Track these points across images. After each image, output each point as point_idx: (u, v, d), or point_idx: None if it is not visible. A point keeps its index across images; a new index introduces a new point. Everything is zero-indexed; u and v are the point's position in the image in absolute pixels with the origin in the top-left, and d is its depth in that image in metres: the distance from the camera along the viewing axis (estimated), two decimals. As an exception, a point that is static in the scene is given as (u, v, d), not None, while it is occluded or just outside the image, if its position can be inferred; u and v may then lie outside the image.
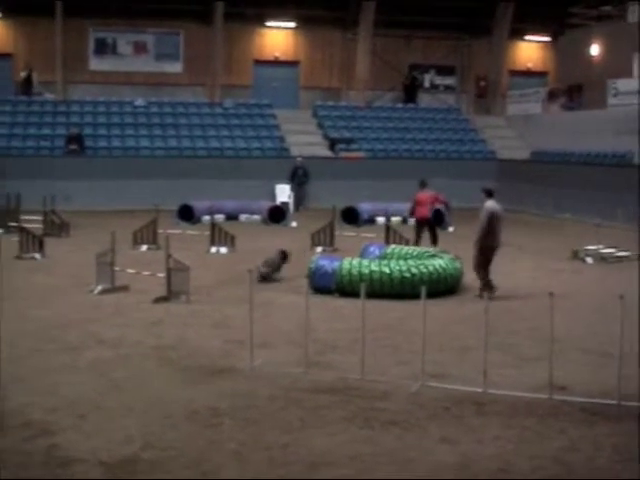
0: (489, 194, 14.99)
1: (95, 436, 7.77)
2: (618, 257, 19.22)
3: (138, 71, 36.00)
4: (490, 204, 14.82)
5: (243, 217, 26.85)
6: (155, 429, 7.97)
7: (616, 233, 21.15)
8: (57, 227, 22.17)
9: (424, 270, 14.52)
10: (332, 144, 34.06)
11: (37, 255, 18.37)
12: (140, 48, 36.27)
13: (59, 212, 22.81)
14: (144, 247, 20.01)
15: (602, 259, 18.97)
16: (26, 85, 33.86)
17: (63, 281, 15.81)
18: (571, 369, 10.02)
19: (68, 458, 7.25)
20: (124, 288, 14.82)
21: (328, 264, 14.82)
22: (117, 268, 15.13)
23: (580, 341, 11.60)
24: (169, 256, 13.98)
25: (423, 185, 19.79)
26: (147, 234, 20.26)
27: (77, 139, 31.02)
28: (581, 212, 25.88)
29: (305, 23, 37.24)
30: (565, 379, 9.47)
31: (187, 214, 25.62)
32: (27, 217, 21.57)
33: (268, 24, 37.34)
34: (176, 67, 36.71)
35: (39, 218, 22.00)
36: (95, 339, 11.47)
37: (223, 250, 19.81)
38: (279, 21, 37.33)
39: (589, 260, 18.92)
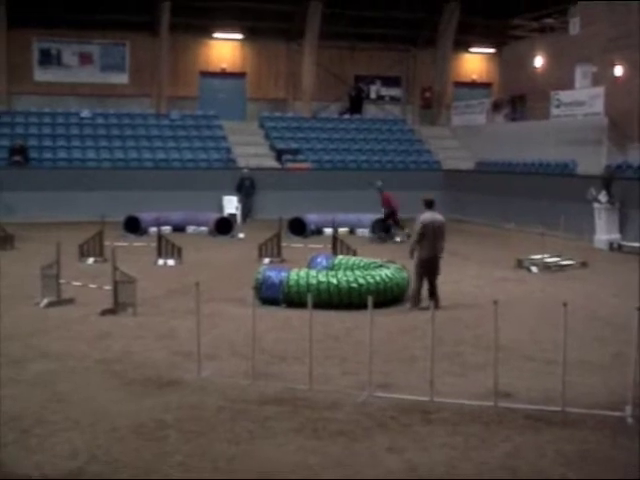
0: (428, 205, 14.84)
1: (39, 451, 7.69)
2: (561, 266, 19.52)
3: (84, 82, 35.71)
4: (426, 215, 14.65)
5: (190, 229, 26.73)
6: (101, 442, 7.91)
7: (559, 242, 21.42)
8: (1, 239, 21.88)
9: (371, 280, 14.58)
10: (279, 155, 34.09)
11: (-20, 268, 18.14)
12: (85, 59, 35.98)
13: (3, 224, 22.51)
14: (90, 259, 19.81)
15: (546, 268, 19.22)
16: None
17: (8, 294, 15.53)
18: (515, 376, 10.14)
19: (12, 474, 7.15)
20: (70, 301, 14.69)
21: (275, 275, 14.82)
22: (63, 281, 14.98)
23: (524, 349, 11.74)
24: (116, 268, 13.90)
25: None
26: (93, 246, 20.07)
27: (21, 151, 30.66)
28: (525, 221, 26.16)
29: (251, 35, 37.35)
30: (510, 386, 9.59)
31: (134, 226, 25.38)
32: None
33: (215, 35, 37.35)
34: (122, 78, 36.49)
35: (-18, 231, 21.73)
36: (40, 352, 11.33)
37: (170, 262, 19.68)
38: (225, 32, 37.34)
39: (533, 269, 19.15)
